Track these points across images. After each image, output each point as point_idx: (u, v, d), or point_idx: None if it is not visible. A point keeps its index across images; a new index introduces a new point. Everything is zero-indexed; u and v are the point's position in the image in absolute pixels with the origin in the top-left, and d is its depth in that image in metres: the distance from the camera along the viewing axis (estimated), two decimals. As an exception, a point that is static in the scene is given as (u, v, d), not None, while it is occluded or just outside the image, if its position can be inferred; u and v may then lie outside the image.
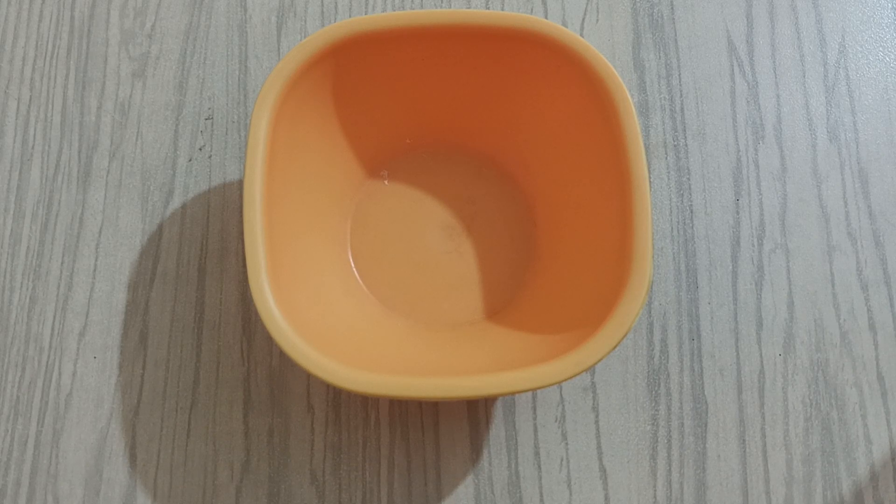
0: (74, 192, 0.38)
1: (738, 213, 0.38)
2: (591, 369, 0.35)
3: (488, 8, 0.42)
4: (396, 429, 0.35)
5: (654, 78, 0.40)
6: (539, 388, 0.29)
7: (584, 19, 0.41)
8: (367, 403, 0.35)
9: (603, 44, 0.41)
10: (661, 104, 0.40)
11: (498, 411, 0.35)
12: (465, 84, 0.35)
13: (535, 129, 0.36)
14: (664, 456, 0.35)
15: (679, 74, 0.40)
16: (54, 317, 0.36)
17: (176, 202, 0.38)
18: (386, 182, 0.37)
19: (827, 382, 0.36)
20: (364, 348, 0.32)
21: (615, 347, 0.29)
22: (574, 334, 0.30)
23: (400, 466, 0.34)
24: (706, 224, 0.38)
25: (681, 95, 0.40)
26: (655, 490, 0.34)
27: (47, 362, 0.36)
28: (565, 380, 0.29)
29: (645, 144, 0.38)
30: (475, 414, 0.35)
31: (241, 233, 0.37)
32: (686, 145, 0.39)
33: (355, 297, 0.35)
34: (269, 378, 0.35)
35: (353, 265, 0.36)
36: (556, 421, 0.35)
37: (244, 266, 0.37)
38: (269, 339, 0.36)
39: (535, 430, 0.35)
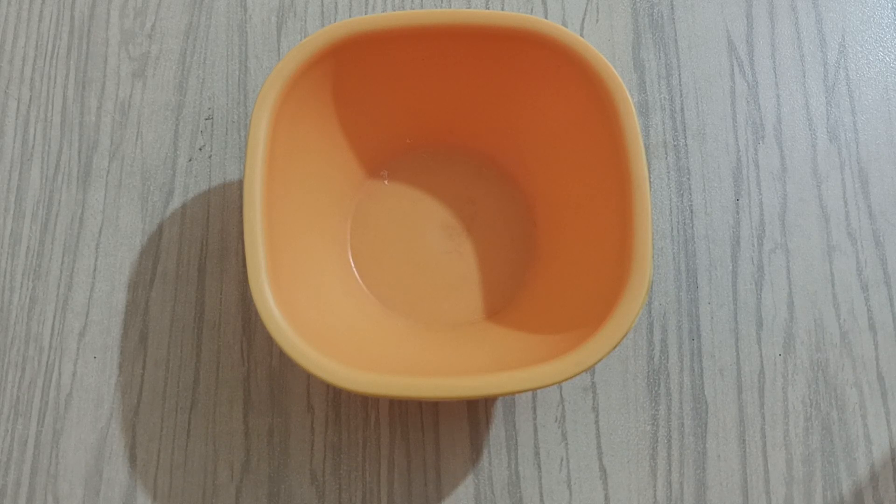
0: (74, 192, 0.38)
1: (738, 213, 0.38)
2: (591, 369, 0.35)
3: (488, 8, 0.42)
4: (396, 429, 0.35)
5: (654, 78, 0.40)
6: (539, 388, 0.29)
7: (584, 19, 0.41)
8: (367, 403, 0.35)
9: (603, 44, 0.41)
10: (661, 104, 0.40)
11: (498, 411, 0.35)
12: (465, 84, 0.35)
13: (535, 129, 0.36)
14: (664, 456, 0.35)
15: (679, 74, 0.40)
16: (54, 317, 0.36)
17: (176, 202, 0.38)
18: (386, 182, 0.37)
19: (827, 382, 0.36)
20: (364, 348, 0.32)
21: (615, 347, 0.29)
22: (574, 334, 0.30)
23: (400, 466, 0.34)
24: (706, 224, 0.38)
25: (681, 95, 0.40)
26: (655, 490, 0.34)
27: (47, 362, 0.36)
28: (565, 380, 0.29)
29: (645, 144, 0.39)
30: (475, 414, 0.35)
31: (241, 233, 0.37)
32: (686, 145, 0.39)
33: (355, 297, 0.35)
34: (269, 378, 0.35)
35: (353, 265, 0.36)
36: (556, 421, 0.35)
37: (244, 266, 0.37)
38: (269, 339, 0.36)
39: (535, 430, 0.35)
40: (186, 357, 0.36)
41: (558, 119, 0.35)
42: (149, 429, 0.35)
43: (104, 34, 0.40)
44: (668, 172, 0.39)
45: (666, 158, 0.39)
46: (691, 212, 0.38)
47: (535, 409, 0.35)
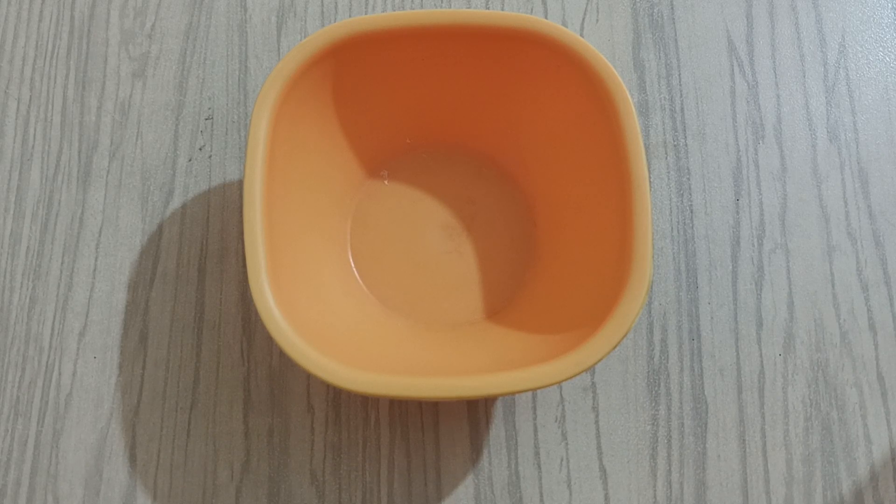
0: (74, 192, 0.38)
1: (738, 213, 0.38)
2: (591, 369, 0.35)
3: (488, 8, 0.42)
4: (396, 429, 0.35)
5: (654, 78, 0.40)
6: (539, 388, 0.29)
7: (584, 19, 0.41)
8: (367, 403, 0.35)
9: (603, 44, 0.41)
10: (661, 104, 0.40)
11: (498, 411, 0.35)
12: (465, 84, 0.35)
13: (535, 129, 0.36)
14: (664, 456, 0.35)
15: (679, 74, 0.40)
16: (54, 317, 0.36)
17: (176, 202, 0.38)
18: (386, 182, 0.37)
19: (827, 382, 0.36)
20: (364, 348, 0.32)
21: (615, 347, 0.29)
22: (574, 334, 0.30)
23: (400, 466, 0.34)
24: (706, 224, 0.38)
25: (681, 95, 0.40)
26: (655, 490, 0.34)
27: (47, 362, 0.36)
28: (565, 380, 0.29)
29: (645, 144, 0.39)
30: (475, 414, 0.35)
31: (241, 233, 0.37)
32: (686, 145, 0.39)
33: (355, 297, 0.35)
34: (269, 378, 0.35)
35: (353, 265, 0.36)
36: (556, 421, 0.35)
37: (244, 266, 0.37)
38: (269, 339, 0.36)
39: (535, 430, 0.35)
40: (186, 357, 0.36)
41: (558, 119, 0.35)
42: (149, 429, 0.35)
43: (104, 34, 0.40)
44: (668, 172, 0.39)
45: (666, 158, 0.39)
46: (691, 212, 0.38)
47: (535, 409, 0.35)
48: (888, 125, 0.40)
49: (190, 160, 0.39)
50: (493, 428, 0.35)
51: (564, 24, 0.41)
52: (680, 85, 0.40)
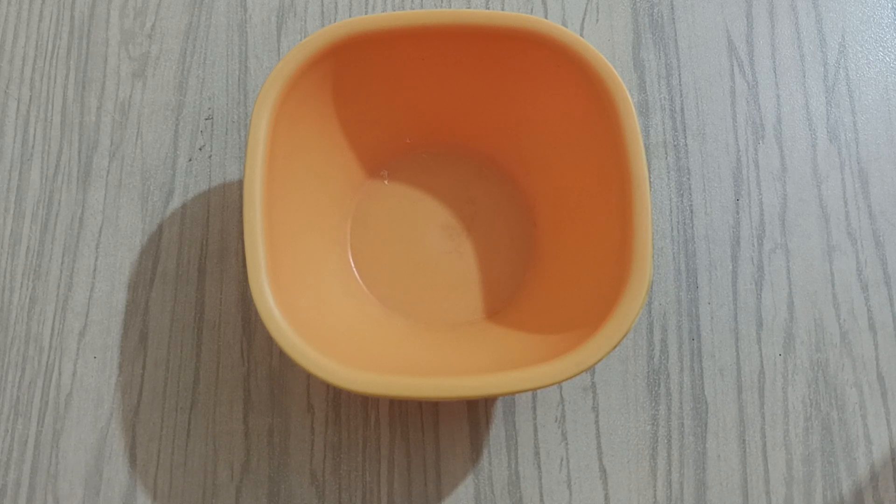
0: (74, 192, 0.38)
1: (738, 213, 0.38)
2: (591, 369, 0.35)
3: (488, 8, 0.42)
4: (396, 429, 0.35)
5: (654, 78, 0.40)
6: (539, 388, 0.29)
7: (584, 19, 0.41)
8: (367, 403, 0.35)
9: (603, 44, 0.41)
10: (661, 104, 0.40)
11: (498, 411, 0.35)
12: (465, 84, 0.35)
13: (535, 130, 0.36)
14: (664, 456, 0.35)
15: (679, 74, 0.40)
16: (54, 317, 0.36)
17: (176, 202, 0.38)
18: (386, 182, 0.37)
19: (827, 382, 0.36)
20: (364, 348, 0.32)
21: (615, 347, 0.29)
22: (574, 334, 0.30)
23: (400, 466, 0.34)
24: (706, 224, 0.38)
25: (681, 95, 0.40)
26: (655, 490, 0.34)
27: (47, 362, 0.36)
28: (565, 380, 0.29)
29: (645, 144, 0.39)
30: (475, 414, 0.35)
31: (241, 233, 0.37)
32: (686, 145, 0.39)
33: (355, 297, 0.35)
34: (269, 378, 0.35)
35: (353, 265, 0.36)
36: (556, 421, 0.35)
37: (244, 266, 0.37)
38: (269, 339, 0.36)
39: (535, 430, 0.35)
40: (186, 357, 0.36)
41: (558, 119, 0.35)
42: (149, 429, 0.35)
43: (104, 34, 0.40)
44: (668, 172, 0.39)
45: (666, 158, 0.39)
46: (691, 212, 0.38)
47: (535, 409, 0.35)
48: (888, 125, 0.40)
49: (190, 160, 0.39)
50: (493, 428, 0.35)
51: (564, 24, 0.41)
52: (680, 85, 0.40)
